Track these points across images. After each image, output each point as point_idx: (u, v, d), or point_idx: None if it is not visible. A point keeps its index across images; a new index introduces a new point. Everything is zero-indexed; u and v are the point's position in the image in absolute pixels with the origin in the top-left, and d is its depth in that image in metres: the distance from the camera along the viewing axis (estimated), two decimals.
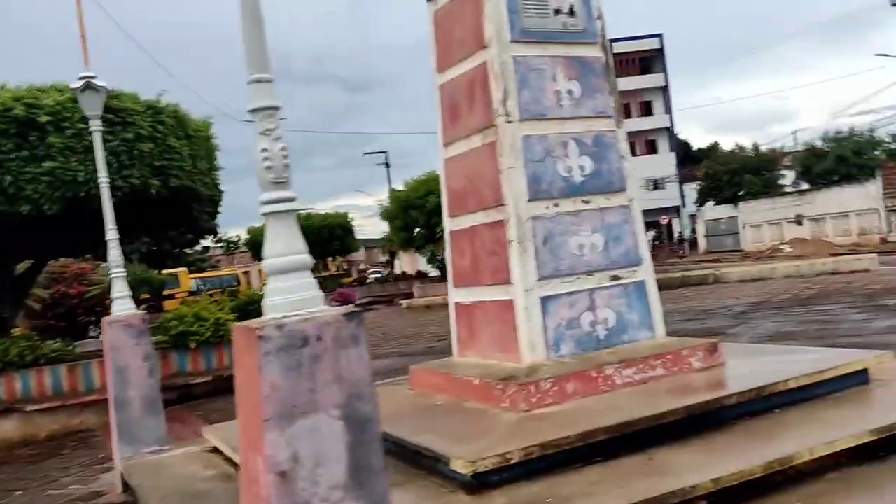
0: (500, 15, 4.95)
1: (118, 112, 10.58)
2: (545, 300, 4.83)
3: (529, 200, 4.89)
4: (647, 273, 5.25)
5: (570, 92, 5.12)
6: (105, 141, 10.27)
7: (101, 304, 23.82)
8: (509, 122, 4.90)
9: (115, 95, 10.75)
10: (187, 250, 48.32)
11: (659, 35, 59.79)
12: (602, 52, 5.31)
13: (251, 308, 13.93)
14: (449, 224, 5.65)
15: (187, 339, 11.46)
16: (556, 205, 4.99)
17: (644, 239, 5.34)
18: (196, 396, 11.23)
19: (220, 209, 14.07)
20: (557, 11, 5.15)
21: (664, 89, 59.93)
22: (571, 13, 5.20)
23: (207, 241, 46.16)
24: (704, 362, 4.89)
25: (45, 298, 21.02)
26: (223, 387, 11.56)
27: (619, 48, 59.58)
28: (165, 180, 11.25)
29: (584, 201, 5.09)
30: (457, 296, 5.61)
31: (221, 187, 14.10)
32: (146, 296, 37.03)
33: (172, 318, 11.70)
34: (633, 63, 59.78)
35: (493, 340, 5.13)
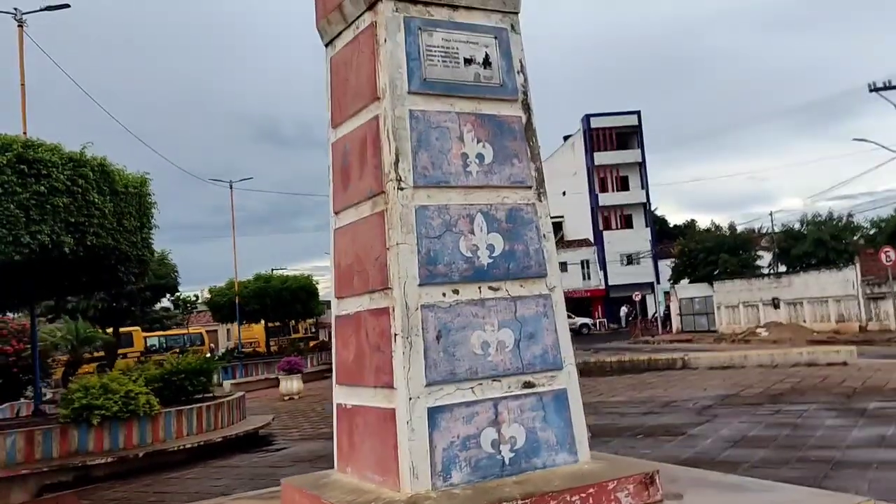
0: (396, 61, 4.12)
1: (32, 163, 9.68)
2: (434, 412, 3.86)
3: (421, 285, 3.97)
4: (568, 379, 4.30)
5: (479, 156, 4.27)
6: (13, 193, 9.38)
7: (42, 362, 22.48)
8: (401, 188, 4.02)
9: (32, 146, 9.89)
10: (153, 307, 46.87)
11: (637, 112, 60.44)
12: (522, 111, 4.49)
13: (175, 379, 12.79)
14: (335, 308, 4.71)
15: (91, 414, 10.26)
16: (456, 291, 4.07)
17: (567, 337, 4.41)
18: (93, 480, 9.97)
19: (149, 269, 13.06)
20: (469, 61, 4.33)
21: (640, 165, 60.26)
22: (486, 64, 4.38)
23: (165, 300, 44.70)
24: (636, 499, 3.91)
25: None
26: (128, 469, 10.34)
27: (597, 123, 60.12)
28: (82, 238, 10.28)
29: (491, 288, 4.17)
30: (339, 395, 4.63)
31: (156, 246, 13.16)
32: (99, 354, 35.48)
33: (77, 388, 10.53)
34: (611, 138, 60.30)
35: (372, 457, 4.13)
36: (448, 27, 4.30)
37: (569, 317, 47.19)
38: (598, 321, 57.07)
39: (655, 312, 51.54)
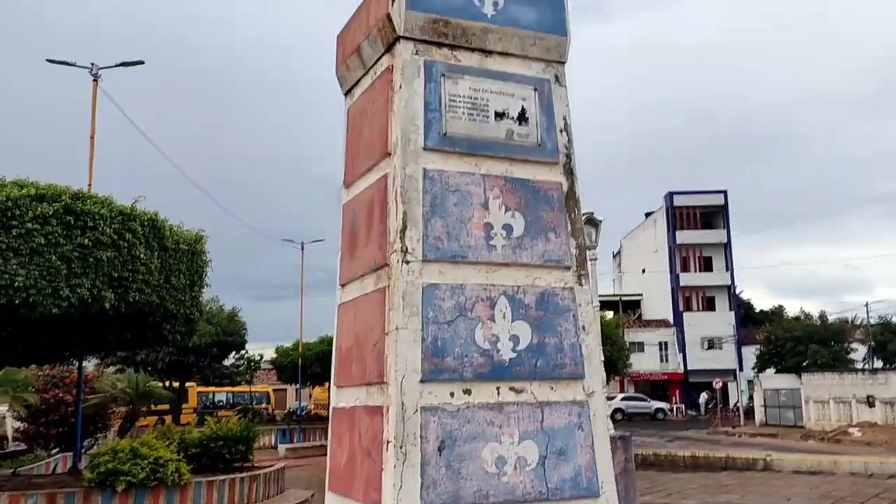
0: (411, 112, 3.49)
1: (79, 215, 9.51)
2: None
3: (424, 381, 3.22)
4: None
5: (507, 227, 3.54)
6: (56, 245, 9.18)
7: (100, 413, 22.50)
8: (407, 262, 3.33)
9: (81, 197, 9.74)
10: (221, 363, 47.29)
11: (723, 192, 58.58)
12: (564, 177, 3.76)
13: (214, 446, 12.23)
14: (333, 397, 3.99)
15: (116, 480, 9.75)
16: (467, 391, 3.30)
17: (608, 455, 3.55)
18: None
19: (197, 328, 12.72)
20: (501, 115, 3.66)
21: (726, 246, 58.02)
22: (522, 120, 3.70)
23: (230, 358, 44.98)
24: None
25: (32, 403, 19.78)
26: None
27: (681, 201, 58.50)
28: (124, 293, 9.99)
29: (513, 389, 3.39)
30: (330, 502, 3.86)
31: (227, 303, 12.87)
32: (164, 407, 35.70)
33: (106, 451, 10.07)
34: (695, 217, 58.50)
35: None
36: (477, 75, 3.66)
37: (643, 400, 45.02)
38: (674, 406, 54.24)
39: (737, 402, 48.59)
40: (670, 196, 59.31)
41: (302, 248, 35.50)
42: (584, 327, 3.60)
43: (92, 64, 15.72)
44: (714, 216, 59.02)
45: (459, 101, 3.58)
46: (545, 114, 3.76)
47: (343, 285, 3.98)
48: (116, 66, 16.07)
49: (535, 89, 3.77)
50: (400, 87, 3.51)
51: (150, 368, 33.31)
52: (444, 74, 3.58)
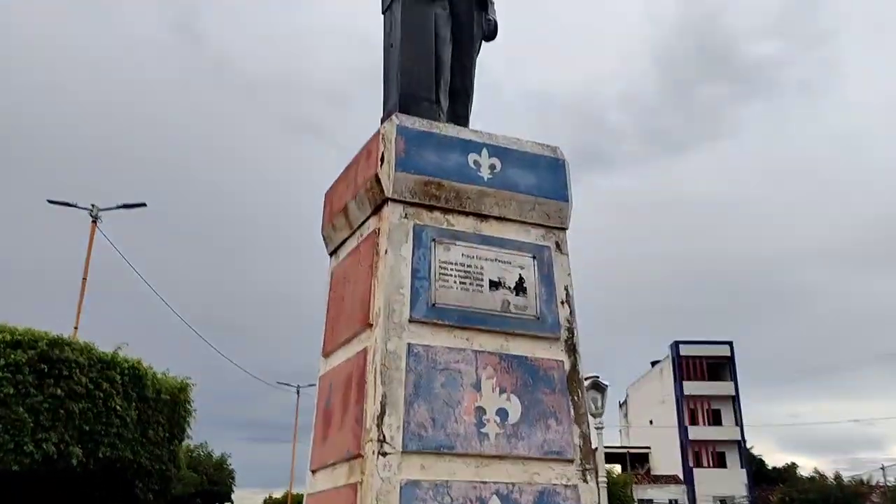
0: (397, 280, 3.15)
1: (55, 363, 9.05)
2: None
3: None
4: None
5: (502, 413, 3.11)
6: (26, 395, 8.68)
7: None
8: (384, 453, 2.86)
9: (59, 344, 9.32)
10: None
11: (729, 342, 57.84)
12: (566, 355, 3.36)
13: None
14: None
15: None
16: None
17: None
18: None
19: (172, 486, 11.88)
20: (496, 285, 3.31)
21: (734, 398, 56.55)
22: (519, 290, 3.35)
23: None
24: None
25: None
26: None
27: (687, 351, 57.61)
28: (94, 449, 9.34)
29: None
30: None
31: (217, 448, 12.13)
32: None
33: None
34: (702, 368, 57.49)
35: None
36: (472, 241, 3.35)
37: None
38: None
39: None
40: (676, 346, 58.51)
41: (297, 393, 34.53)
42: None
43: (92, 205, 15.78)
44: (721, 367, 57.91)
45: (451, 269, 3.25)
46: (545, 284, 3.42)
47: (314, 471, 3.48)
48: (117, 207, 16.13)
49: (534, 257, 3.45)
50: (386, 252, 3.19)
51: None
52: (434, 240, 3.27)
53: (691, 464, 55.28)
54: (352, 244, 3.63)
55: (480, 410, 3.07)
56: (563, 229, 3.60)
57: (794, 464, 62.55)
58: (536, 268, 3.43)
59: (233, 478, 34.54)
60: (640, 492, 52.81)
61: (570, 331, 3.42)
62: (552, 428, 3.17)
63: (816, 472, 45.44)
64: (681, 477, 55.55)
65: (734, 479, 52.97)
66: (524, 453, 3.08)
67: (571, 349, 3.38)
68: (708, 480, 53.68)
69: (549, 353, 3.32)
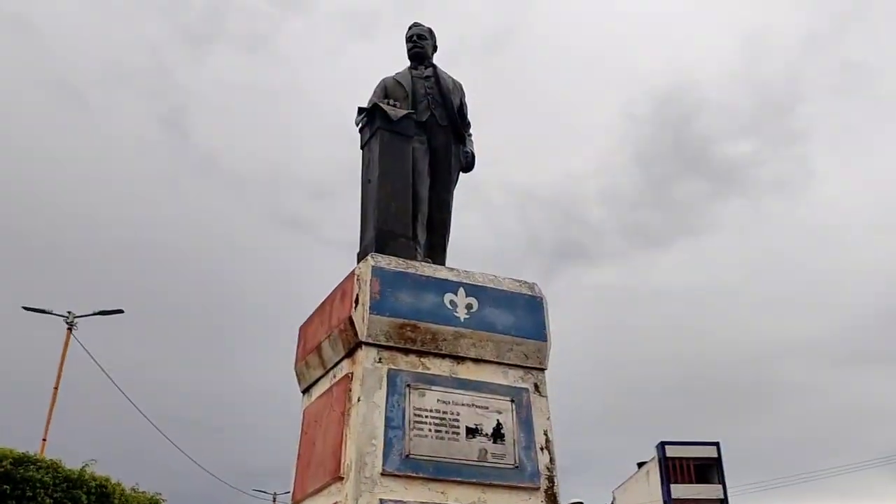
0: (369, 430, 3.03)
1: (18, 482, 8.65)
2: None
3: None
4: None
5: None
6: None
7: None
8: None
9: (23, 462, 8.93)
10: None
11: (716, 443, 56.92)
12: None
13: None
14: None
15: None
16: None
17: None
18: None
19: None
20: (473, 432, 3.20)
21: (723, 501, 55.15)
22: (497, 437, 3.24)
23: None
24: None
25: None
26: None
27: (674, 452, 56.52)
28: None
29: None
30: None
31: None
32: None
33: None
34: (689, 469, 56.31)
35: None
36: (448, 385, 3.26)
37: None
38: None
39: None
40: (662, 447, 57.44)
41: (274, 500, 33.24)
42: None
43: (69, 312, 15.55)
44: (708, 469, 56.73)
45: (426, 417, 3.15)
46: (524, 429, 3.32)
47: None
48: (94, 314, 15.89)
49: (513, 401, 3.36)
50: (359, 400, 3.09)
51: None
52: (409, 385, 3.18)
53: None
54: (325, 385, 3.52)
55: None
56: (542, 370, 3.53)
57: None
58: (515, 412, 3.33)
59: None
60: None
61: (551, 479, 3.29)
62: None
63: None
64: None
65: None
66: None
67: (552, 499, 3.25)
68: None
69: None
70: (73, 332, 15.01)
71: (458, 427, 3.18)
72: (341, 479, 3.01)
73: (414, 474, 3.02)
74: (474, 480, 3.11)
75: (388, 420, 3.07)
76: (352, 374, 3.21)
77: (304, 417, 3.70)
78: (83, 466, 9.67)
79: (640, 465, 62.40)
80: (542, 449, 3.33)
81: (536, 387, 3.47)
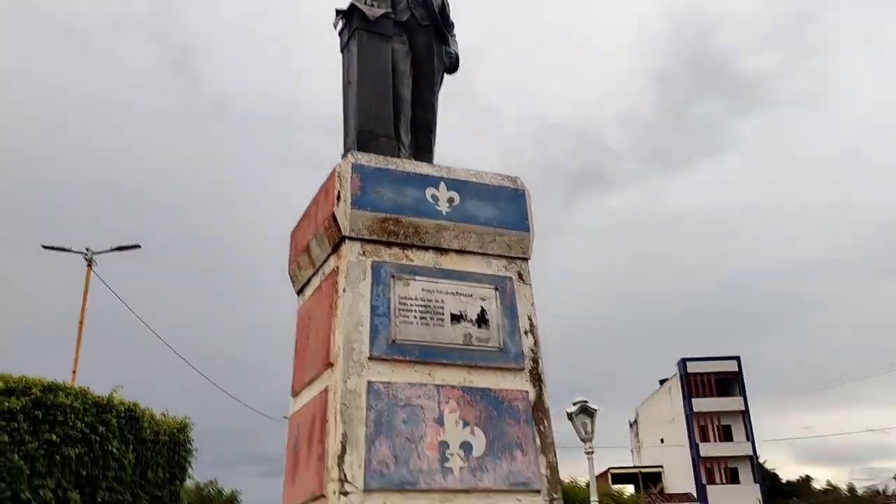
0: (356, 317, 3.16)
1: (49, 409, 9.02)
2: None
3: None
4: None
5: (466, 446, 3.10)
6: (21, 443, 8.64)
7: None
8: (345, 492, 2.87)
9: (53, 389, 9.30)
10: None
11: (736, 357, 57.54)
12: (531, 385, 3.36)
13: None
14: None
15: None
16: None
17: None
18: None
19: None
20: (458, 318, 3.33)
21: (744, 413, 56.08)
22: (482, 322, 3.36)
23: None
24: None
25: None
26: None
27: (695, 368, 57.27)
28: (93, 493, 9.28)
29: None
30: None
31: (226, 485, 12.03)
32: None
33: None
34: (710, 384, 57.12)
35: None
36: (431, 275, 3.37)
37: None
38: None
39: None
40: (683, 363, 58.21)
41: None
42: None
43: (87, 249, 15.88)
44: (729, 383, 57.53)
45: (411, 305, 3.27)
46: (508, 315, 3.43)
47: None
48: (111, 250, 16.23)
49: (497, 289, 3.47)
50: (344, 291, 3.21)
51: None
52: (393, 276, 3.29)
53: (704, 481, 54.73)
54: (315, 283, 3.65)
55: (444, 445, 3.07)
56: (526, 259, 3.63)
57: (808, 477, 61.87)
58: (499, 299, 3.45)
59: None
60: None
61: (535, 361, 3.42)
62: (518, 459, 3.17)
63: (829, 484, 44.95)
64: (694, 495, 54.95)
65: (748, 495, 52.33)
66: (489, 486, 3.07)
67: (536, 379, 3.39)
68: (721, 497, 53.08)
69: (514, 384, 3.33)
70: (93, 268, 15.37)
71: (442, 314, 3.31)
72: (332, 365, 3.16)
73: (400, 358, 3.16)
74: (460, 363, 3.25)
75: (373, 308, 3.20)
76: (337, 268, 3.32)
77: (298, 316, 3.85)
78: (111, 392, 10.04)
79: (662, 382, 63.36)
80: (525, 333, 3.45)
81: (520, 275, 3.58)
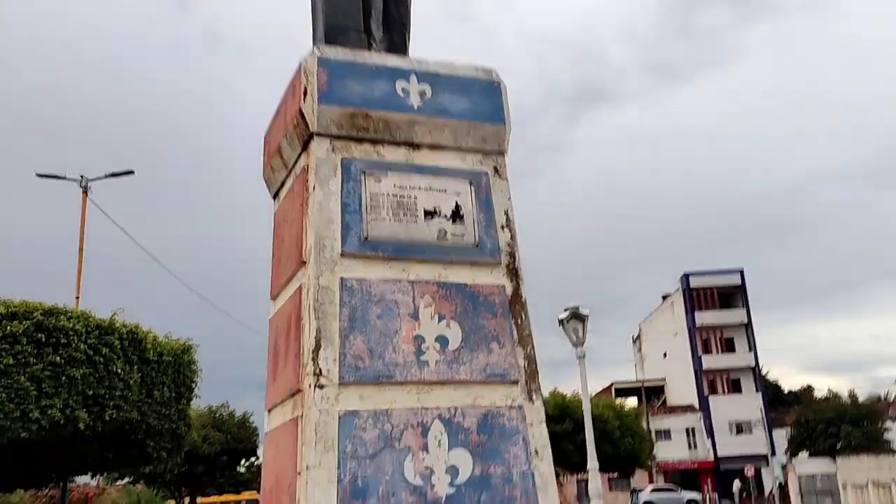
0: (326, 215, 3.12)
1: (52, 332, 9.15)
2: None
3: None
4: None
5: (441, 340, 3.11)
6: (26, 364, 8.80)
7: None
8: (321, 386, 2.88)
9: (55, 313, 9.41)
10: (236, 471, 46.13)
11: (739, 270, 57.84)
12: (507, 279, 3.34)
13: None
14: None
15: None
16: None
17: None
18: None
19: (184, 443, 12.14)
20: (432, 214, 3.28)
21: (747, 326, 56.79)
22: (456, 217, 3.32)
23: (242, 466, 43.78)
24: None
25: None
26: None
27: (697, 282, 57.72)
28: (100, 412, 9.50)
29: None
30: None
31: (238, 407, 12.36)
32: None
33: None
34: (713, 297, 57.62)
35: None
36: (404, 170, 3.31)
37: (673, 490, 42.64)
38: (707, 496, 51.81)
39: (772, 490, 46.35)
40: (686, 278, 58.62)
41: None
42: (536, 451, 3.10)
43: (81, 176, 15.75)
44: (732, 296, 58.06)
45: (383, 201, 3.22)
46: (483, 210, 3.38)
47: (269, 411, 3.52)
48: (106, 177, 16.10)
49: (472, 183, 3.41)
50: (314, 189, 3.16)
51: (159, 481, 32.36)
52: (364, 172, 3.23)
53: (706, 392, 55.92)
54: (289, 184, 3.59)
55: (419, 339, 3.07)
56: (502, 153, 3.55)
57: (810, 386, 63.18)
58: (474, 194, 3.39)
59: (256, 434, 35.33)
60: (657, 423, 53.61)
61: (512, 255, 3.39)
62: (495, 351, 3.17)
63: (830, 391, 45.80)
64: (696, 406, 56.23)
65: (750, 405, 53.53)
66: (466, 377, 3.09)
67: (513, 273, 3.36)
68: (723, 407, 54.34)
69: (490, 278, 3.30)
70: (89, 195, 15.32)
71: (415, 210, 3.26)
72: (304, 263, 3.14)
73: (373, 254, 3.13)
74: (434, 258, 3.22)
75: (344, 206, 3.15)
76: (307, 166, 3.26)
77: (274, 220, 3.81)
78: (112, 315, 10.15)
79: (665, 297, 63.94)
80: (502, 228, 3.41)
81: (496, 169, 3.51)
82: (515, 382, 3.17)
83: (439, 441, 2.95)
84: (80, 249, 14.79)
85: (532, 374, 3.24)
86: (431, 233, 3.24)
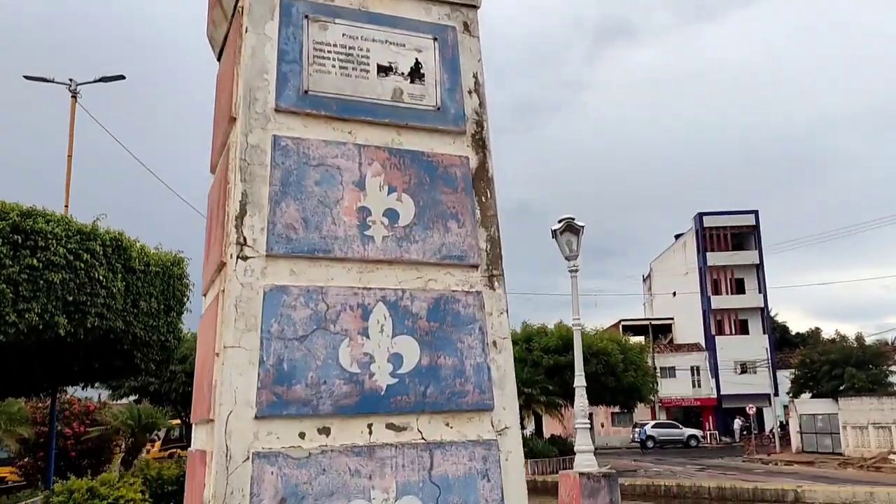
0: (260, 63, 2.67)
1: (29, 234, 8.82)
2: None
3: (260, 417, 2.37)
4: None
5: (391, 214, 2.69)
6: (2, 266, 8.51)
7: (102, 446, 21.81)
8: (244, 257, 2.49)
9: (32, 215, 9.06)
10: None
11: (754, 212, 56.95)
12: (473, 151, 2.90)
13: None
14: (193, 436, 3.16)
15: None
16: (325, 431, 2.44)
17: None
18: None
19: (175, 354, 11.97)
20: (386, 70, 2.83)
21: (758, 267, 56.23)
22: (416, 76, 2.86)
23: None
24: None
25: (27, 437, 19.19)
26: None
27: (711, 222, 56.92)
28: (81, 319, 9.26)
29: (391, 427, 2.52)
30: None
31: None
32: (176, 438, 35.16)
33: (61, 491, 9.27)
34: (725, 238, 56.94)
35: None
36: (355, 19, 2.84)
37: (675, 427, 42.88)
38: (708, 433, 52.27)
39: (773, 428, 46.63)
40: (700, 217, 57.80)
41: None
42: (494, 343, 2.73)
43: (70, 80, 15.23)
44: (745, 237, 57.32)
45: (329, 52, 2.77)
46: (449, 70, 2.92)
47: (205, 295, 3.15)
48: (95, 81, 15.58)
49: (436, 39, 2.94)
50: (246, 31, 2.71)
51: (163, 399, 32.81)
52: (307, 16, 2.77)
53: (713, 331, 55.82)
54: (230, 36, 3.14)
55: (364, 211, 2.66)
56: (474, 7, 3.07)
57: (817, 329, 62.91)
58: (438, 51, 2.93)
59: None
60: (663, 360, 53.72)
61: (480, 124, 2.95)
62: (452, 231, 2.77)
63: (838, 334, 45.52)
64: (703, 344, 56.23)
65: (756, 345, 53.45)
66: (417, 258, 2.69)
67: (480, 144, 2.93)
68: (729, 347, 54.29)
69: (452, 148, 2.87)
70: (78, 100, 14.84)
71: (367, 64, 2.80)
72: (234, 120, 2.70)
73: (314, 112, 2.69)
74: (387, 121, 2.78)
75: (281, 53, 2.70)
76: (242, 7, 2.80)
77: (217, 82, 3.36)
78: (94, 220, 9.81)
79: (678, 236, 63.27)
80: (469, 92, 2.96)
81: (466, 25, 3.03)
82: (475, 266, 2.77)
83: (382, 326, 2.57)
84: (69, 156, 14.41)
85: (495, 258, 2.84)
86: (385, 91, 2.80)
